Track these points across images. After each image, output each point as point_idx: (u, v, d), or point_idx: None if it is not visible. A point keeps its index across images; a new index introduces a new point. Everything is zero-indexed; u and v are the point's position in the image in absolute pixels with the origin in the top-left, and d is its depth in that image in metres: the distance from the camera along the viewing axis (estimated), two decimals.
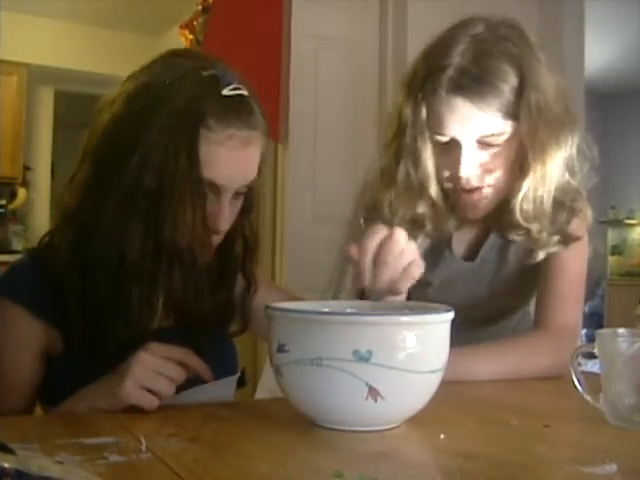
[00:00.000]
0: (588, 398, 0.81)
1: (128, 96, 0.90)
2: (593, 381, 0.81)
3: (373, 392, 0.69)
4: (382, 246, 0.83)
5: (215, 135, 0.87)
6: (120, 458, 0.61)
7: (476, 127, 1.03)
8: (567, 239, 1.12)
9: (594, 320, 5.99)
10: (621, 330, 0.79)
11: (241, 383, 1.08)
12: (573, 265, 1.14)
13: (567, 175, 1.08)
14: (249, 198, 0.98)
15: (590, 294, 6.37)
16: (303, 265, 2.90)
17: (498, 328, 1.31)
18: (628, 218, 6.83)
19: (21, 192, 5.09)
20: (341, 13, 3.08)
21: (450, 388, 0.80)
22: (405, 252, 0.83)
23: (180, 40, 3.60)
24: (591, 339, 0.82)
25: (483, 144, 1.04)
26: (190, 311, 0.96)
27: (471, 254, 1.23)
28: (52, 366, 0.93)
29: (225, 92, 0.88)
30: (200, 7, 3.42)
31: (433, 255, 1.21)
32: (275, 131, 2.98)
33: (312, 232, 2.94)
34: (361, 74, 3.10)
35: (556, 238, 1.11)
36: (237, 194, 0.93)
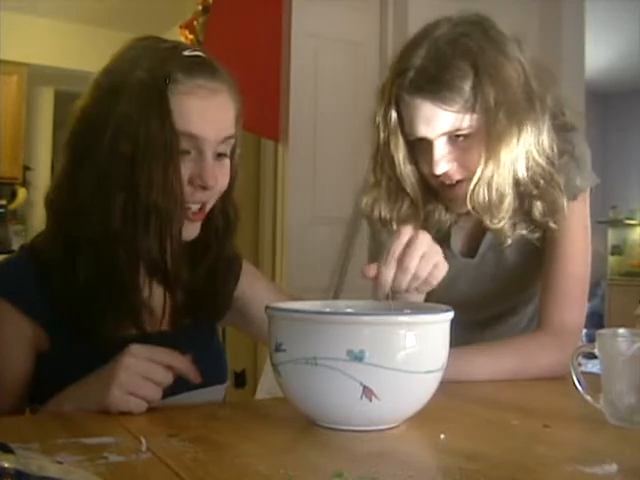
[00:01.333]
0: (588, 398, 0.81)
1: (93, 86, 0.93)
2: (593, 381, 0.81)
3: (367, 392, 0.69)
4: (405, 251, 0.85)
5: (184, 86, 0.89)
6: (120, 458, 0.61)
7: (440, 125, 1.04)
8: (538, 226, 1.12)
9: (594, 320, 5.98)
10: (621, 330, 0.79)
11: (241, 383, 1.08)
12: (575, 262, 1.14)
13: (536, 162, 1.07)
14: (230, 169, 0.97)
15: (590, 294, 6.35)
16: (303, 265, 2.90)
17: (508, 326, 1.30)
18: (628, 218, 6.83)
19: (21, 192, 5.09)
20: (341, 13, 3.08)
21: (450, 388, 0.80)
22: (428, 255, 0.86)
23: (180, 40, 3.60)
24: (591, 339, 0.82)
25: (453, 139, 1.06)
26: (170, 279, 0.95)
27: (471, 250, 1.24)
28: (40, 364, 0.93)
29: (186, 53, 0.92)
30: (200, 7, 3.42)
31: None
32: (275, 131, 2.98)
33: (312, 232, 2.94)
34: (361, 74, 3.10)
35: (524, 226, 1.12)
36: (220, 155, 0.93)
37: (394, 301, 0.87)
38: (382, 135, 1.11)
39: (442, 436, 0.71)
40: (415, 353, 0.70)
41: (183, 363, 0.84)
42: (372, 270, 0.87)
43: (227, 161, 0.96)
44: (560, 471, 0.61)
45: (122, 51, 0.95)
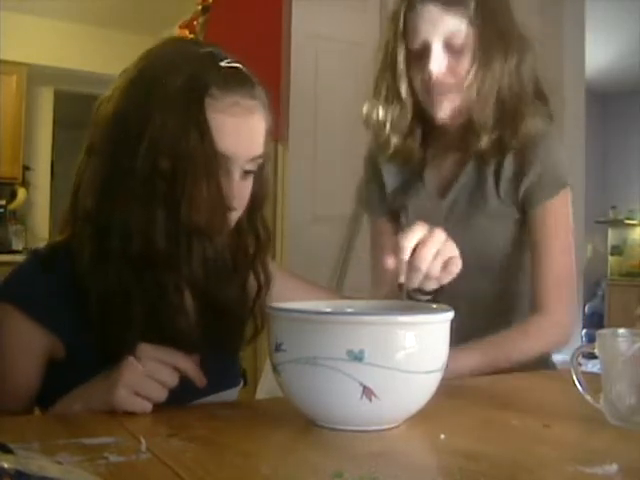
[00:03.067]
0: (588, 398, 0.81)
1: (127, 86, 0.89)
2: (593, 381, 0.81)
3: (367, 392, 0.69)
4: (417, 250, 0.86)
5: (219, 103, 0.86)
6: (120, 458, 0.61)
7: (444, 27, 1.19)
8: (517, 137, 1.22)
9: (594, 320, 5.99)
10: (621, 330, 0.79)
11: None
12: (561, 244, 1.23)
13: (514, 81, 1.22)
14: (259, 186, 0.96)
15: (590, 294, 6.38)
16: (303, 264, 2.90)
17: (480, 302, 1.32)
18: (628, 218, 6.83)
19: (21, 192, 5.09)
20: (341, 13, 3.08)
21: (450, 388, 0.80)
22: (441, 253, 0.87)
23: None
24: (591, 339, 0.82)
25: (449, 49, 1.20)
26: (211, 296, 0.93)
27: (443, 192, 1.31)
28: (54, 371, 0.92)
29: (224, 64, 0.89)
30: (200, 7, 3.42)
31: (406, 187, 1.35)
32: (275, 131, 2.97)
33: (312, 231, 2.94)
34: (361, 74, 3.10)
35: (506, 132, 1.22)
36: (246, 173, 0.92)
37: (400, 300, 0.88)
38: (390, 45, 1.25)
39: (442, 436, 0.71)
40: (415, 353, 0.70)
41: (189, 365, 0.83)
42: (392, 262, 0.88)
43: (251, 179, 0.94)
44: (560, 471, 0.61)
45: (156, 51, 0.92)
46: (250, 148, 0.91)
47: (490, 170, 1.26)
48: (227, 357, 1.04)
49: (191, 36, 3.40)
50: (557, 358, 1.32)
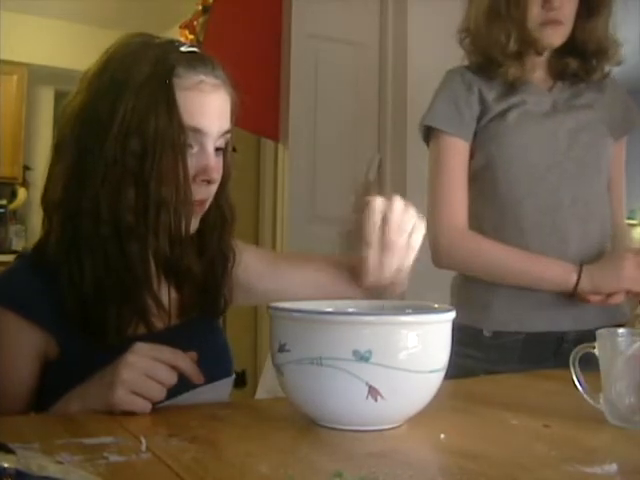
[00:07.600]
0: (588, 398, 0.81)
1: (91, 81, 0.93)
2: (593, 381, 0.81)
3: (373, 392, 0.69)
4: (384, 230, 0.88)
5: (186, 81, 0.90)
6: (120, 458, 0.61)
7: None
8: (608, 65, 1.48)
9: None
10: (621, 330, 0.79)
11: (241, 383, 1.08)
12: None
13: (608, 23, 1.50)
14: (225, 166, 0.98)
15: None
16: None
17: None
18: (628, 218, 6.81)
19: (21, 192, 5.09)
20: (341, 13, 3.08)
21: (450, 388, 0.80)
22: (404, 224, 0.89)
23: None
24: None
25: None
26: (178, 269, 0.96)
27: (550, 89, 1.45)
28: (49, 372, 0.92)
29: (184, 49, 0.94)
30: (200, 7, 3.42)
31: (509, 92, 1.42)
32: (275, 131, 2.98)
33: (311, 231, 2.94)
34: (361, 74, 3.10)
35: (601, 60, 1.47)
36: (217, 150, 0.95)
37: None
38: None
39: (442, 436, 0.71)
40: (420, 353, 0.71)
41: (187, 363, 0.83)
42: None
43: (221, 156, 0.97)
44: (560, 471, 0.61)
45: (117, 47, 0.95)
46: (220, 123, 0.94)
47: (582, 87, 1.44)
48: (218, 347, 1.05)
49: (191, 36, 3.40)
50: None
